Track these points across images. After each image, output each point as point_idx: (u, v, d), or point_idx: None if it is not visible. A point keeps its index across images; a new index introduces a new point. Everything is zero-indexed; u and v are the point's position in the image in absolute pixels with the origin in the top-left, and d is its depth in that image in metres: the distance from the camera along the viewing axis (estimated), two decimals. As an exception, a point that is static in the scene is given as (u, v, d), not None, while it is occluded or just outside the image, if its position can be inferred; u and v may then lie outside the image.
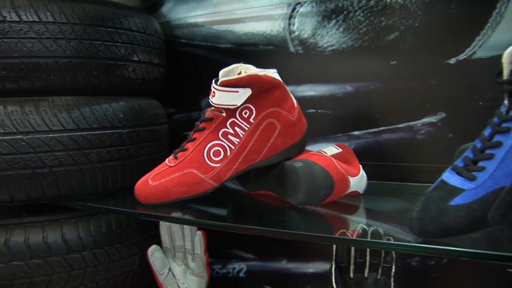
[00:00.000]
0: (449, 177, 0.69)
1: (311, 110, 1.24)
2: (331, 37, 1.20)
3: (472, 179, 0.66)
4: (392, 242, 0.69)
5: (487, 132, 0.70)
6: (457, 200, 0.65)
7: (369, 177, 0.98)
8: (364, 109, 1.19)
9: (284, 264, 1.37)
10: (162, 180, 0.88)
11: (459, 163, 0.70)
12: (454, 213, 0.64)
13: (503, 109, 0.69)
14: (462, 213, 0.63)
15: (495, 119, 0.70)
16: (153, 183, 0.88)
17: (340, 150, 0.98)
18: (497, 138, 0.68)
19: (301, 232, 0.77)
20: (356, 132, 1.20)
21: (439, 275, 1.13)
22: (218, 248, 1.44)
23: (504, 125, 0.68)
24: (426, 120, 1.11)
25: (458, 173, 0.68)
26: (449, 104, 1.08)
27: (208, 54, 1.41)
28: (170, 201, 0.88)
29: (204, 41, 1.41)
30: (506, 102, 0.70)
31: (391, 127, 1.15)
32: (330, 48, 1.20)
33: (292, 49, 1.26)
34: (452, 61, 1.06)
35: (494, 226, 0.65)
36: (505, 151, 0.66)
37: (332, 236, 0.76)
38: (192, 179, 0.88)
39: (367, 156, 1.13)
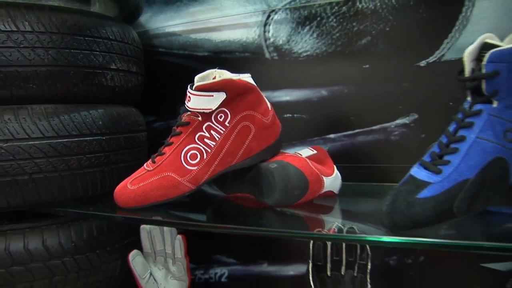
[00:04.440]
0: (417, 171, 0.71)
1: (288, 115, 1.25)
2: (305, 43, 1.22)
3: (438, 172, 0.69)
4: (362, 235, 0.71)
5: (451, 127, 0.73)
6: (424, 193, 0.67)
7: (345, 179, 1.00)
8: (339, 112, 1.20)
9: (265, 268, 1.38)
10: (141, 184, 0.89)
11: (426, 158, 0.73)
12: (421, 206, 0.66)
13: (466, 105, 0.73)
14: (429, 206, 0.66)
15: (459, 115, 0.73)
16: (131, 187, 0.89)
17: (315, 151, 1.00)
18: (460, 132, 0.71)
19: (276, 229, 0.80)
20: (332, 135, 1.21)
21: (416, 273, 1.15)
22: (199, 254, 1.45)
23: (467, 120, 0.71)
24: (399, 121, 1.13)
25: (425, 168, 0.71)
26: (421, 105, 1.11)
27: (186, 62, 1.42)
28: (149, 204, 0.89)
29: (182, 49, 1.42)
30: (468, 98, 0.73)
31: (365, 129, 1.17)
32: (304, 54, 1.23)
33: (267, 55, 1.28)
34: (423, 63, 1.09)
35: (459, 217, 0.67)
36: (468, 145, 0.69)
37: (306, 232, 0.79)
38: (170, 182, 0.89)
39: (343, 158, 1.15)
